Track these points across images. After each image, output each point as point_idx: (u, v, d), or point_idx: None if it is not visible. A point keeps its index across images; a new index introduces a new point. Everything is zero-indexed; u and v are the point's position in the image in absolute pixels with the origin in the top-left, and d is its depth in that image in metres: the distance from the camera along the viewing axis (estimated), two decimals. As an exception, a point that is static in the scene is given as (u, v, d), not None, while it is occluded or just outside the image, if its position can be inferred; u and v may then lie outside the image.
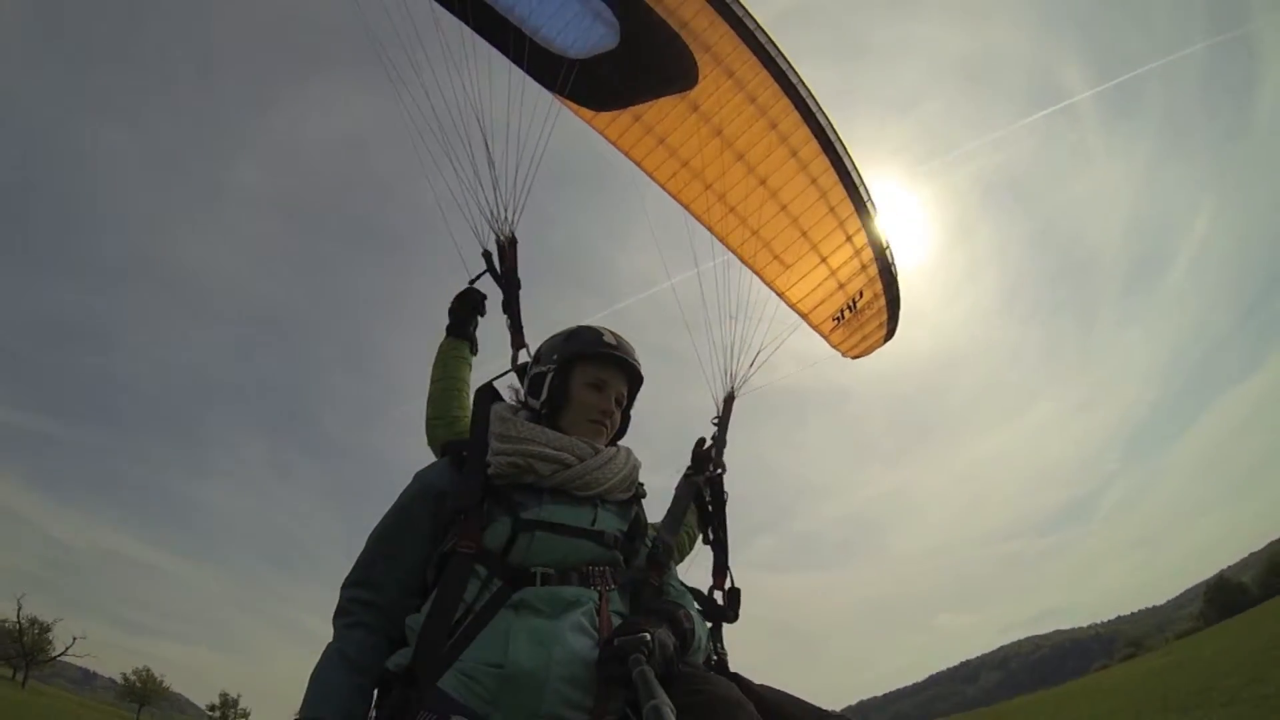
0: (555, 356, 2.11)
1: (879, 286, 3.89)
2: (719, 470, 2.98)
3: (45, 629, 52.32)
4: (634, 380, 2.18)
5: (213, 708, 67.95)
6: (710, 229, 3.61)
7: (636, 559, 1.94)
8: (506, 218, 2.74)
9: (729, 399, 3.33)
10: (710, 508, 2.86)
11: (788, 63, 3.23)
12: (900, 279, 3.92)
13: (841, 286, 3.89)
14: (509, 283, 2.65)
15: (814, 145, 3.45)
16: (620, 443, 2.17)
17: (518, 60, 2.99)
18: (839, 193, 3.61)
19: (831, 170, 3.53)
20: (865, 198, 3.63)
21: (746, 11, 3.10)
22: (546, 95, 2.99)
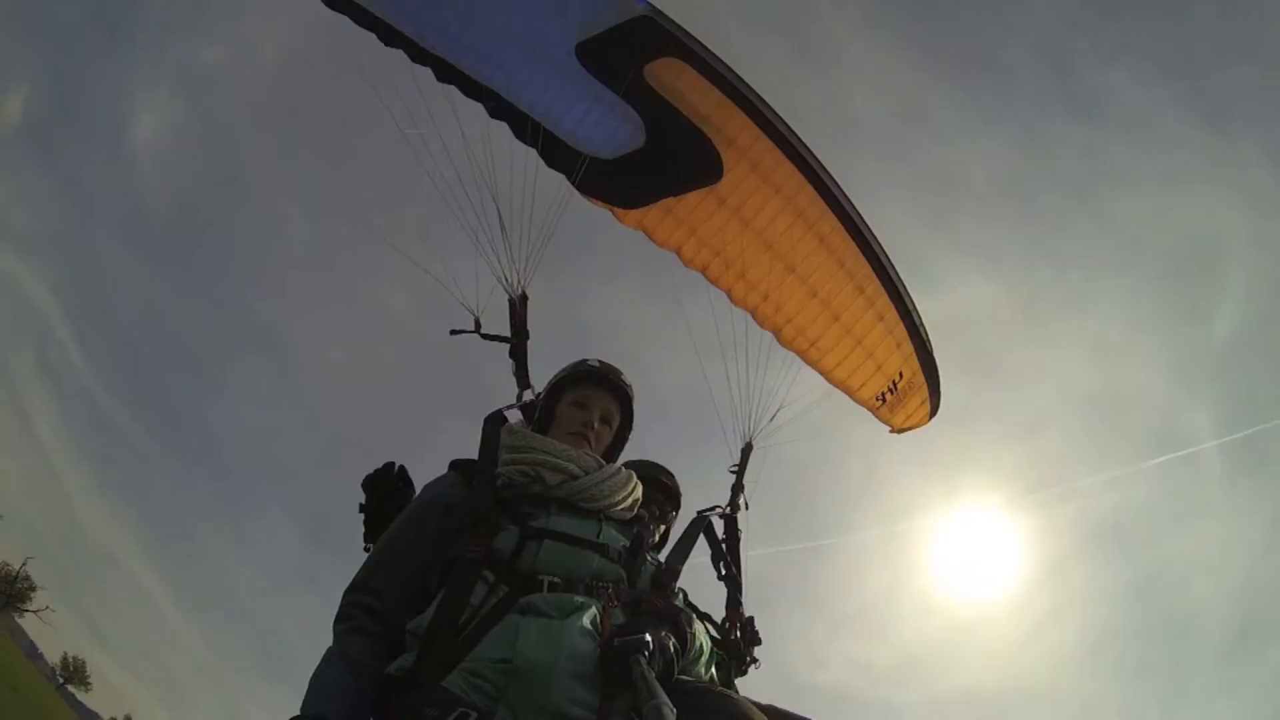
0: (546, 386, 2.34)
1: (916, 364, 3.81)
2: (734, 509, 3.10)
3: (32, 587, 55.99)
4: (626, 404, 2.30)
5: (113, 720, 70.86)
6: (750, 315, 3.53)
7: (640, 579, 1.95)
8: (519, 279, 2.85)
9: (747, 448, 3.41)
10: (725, 544, 2.93)
11: (810, 151, 3.29)
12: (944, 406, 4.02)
13: (880, 368, 3.79)
14: (518, 334, 2.76)
15: (840, 231, 3.46)
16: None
17: (549, 162, 2.95)
18: (866, 273, 3.59)
19: (859, 254, 3.53)
20: (894, 278, 3.62)
21: (767, 104, 3.17)
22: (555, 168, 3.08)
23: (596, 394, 2.23)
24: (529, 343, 2.73)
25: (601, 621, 1.66)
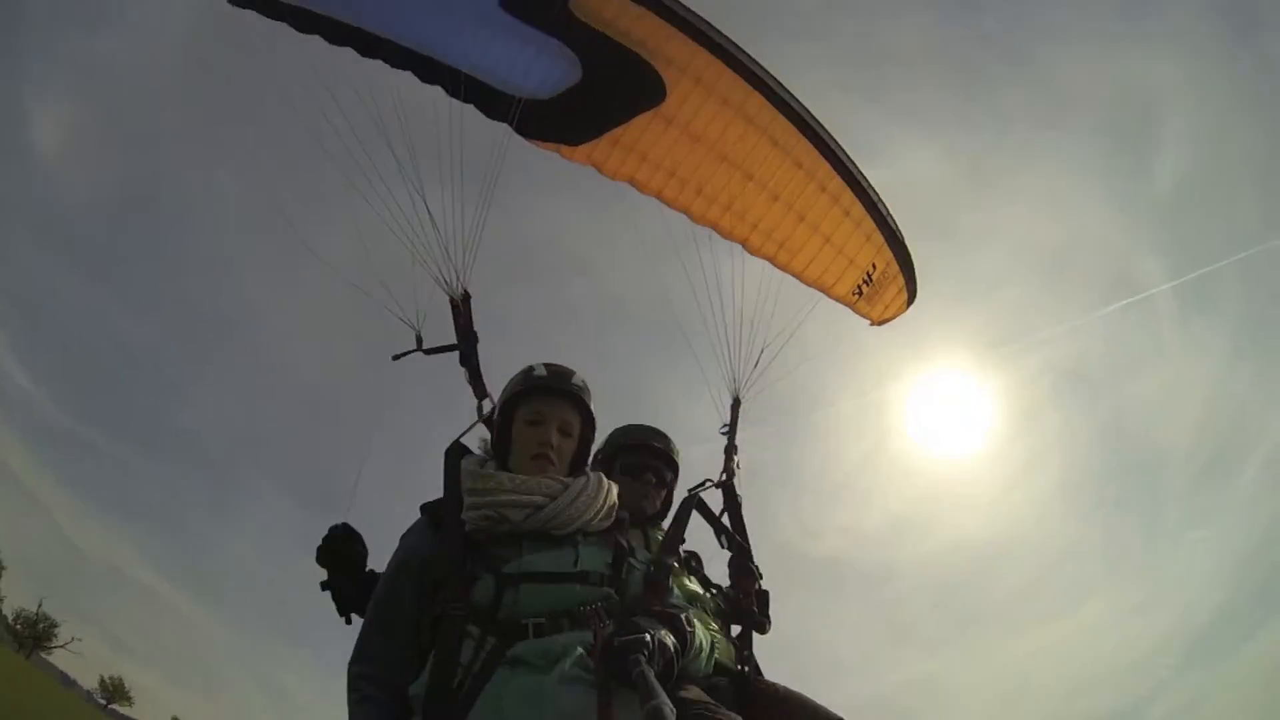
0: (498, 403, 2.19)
1: (889, 254, 3.87)
2: (729, 475, 3.04)
3: (54, 624, 61.37)
4: (582, 407, 2.15)
5: (163, 731, 79.72)
6: (713, 229, 3.65)
7: (631, 587, 1.92)
8: (457, 277, 2.73)
9: (735, 404, 3.45)
10: (726, 512, 2.89)
11: (751, 58, 3.29)
12: (920, 299, 4.05)
13: (852, 262, 3.88)
14: (465, 338, 2.64)
15: (793, 132, 3.48)
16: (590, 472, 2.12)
17: (488, 114, 3.08)
18: (825, 171, 3.62)
19: (814, 151, 3.56)
20: (854, 172, 3.64)
21: (700, 17, 3.16)
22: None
23: (549, 405, 2.09)
24: (479, 346, 2.61)
25: (592, 650, 1.65)
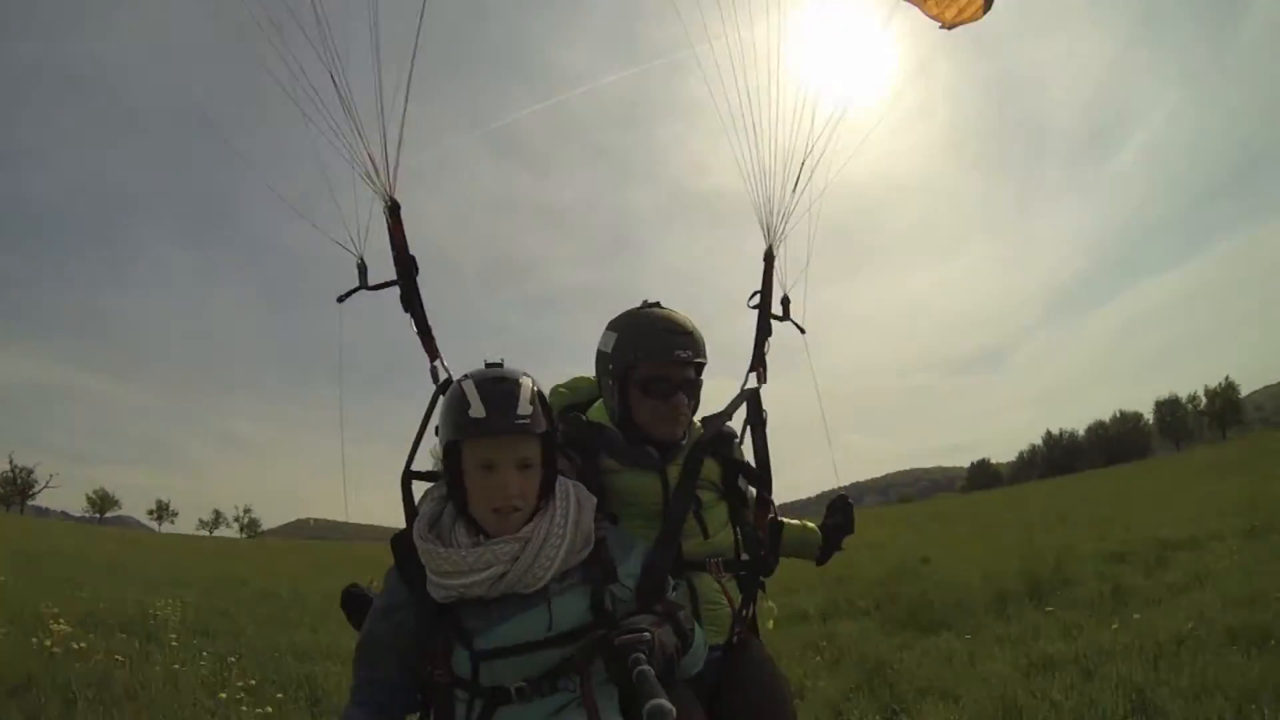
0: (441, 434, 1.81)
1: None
2: (759, 382, 2.41)
3: (29, 471, 63.12)
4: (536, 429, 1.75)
5: (151, 513, 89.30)
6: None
7: (622, 605, 1.81)
8: (383, 180, 2.11)
9: (768, 258, 2.55)
10: (750, 429, 2.35)
11: None
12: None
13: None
14: (403, 266, 2.13)
15: None
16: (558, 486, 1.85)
17: None
18: None
19: None
20: None
21: None
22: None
23: (498, 448, 1.73)
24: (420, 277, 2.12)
25: (585, 701, 1.66)
